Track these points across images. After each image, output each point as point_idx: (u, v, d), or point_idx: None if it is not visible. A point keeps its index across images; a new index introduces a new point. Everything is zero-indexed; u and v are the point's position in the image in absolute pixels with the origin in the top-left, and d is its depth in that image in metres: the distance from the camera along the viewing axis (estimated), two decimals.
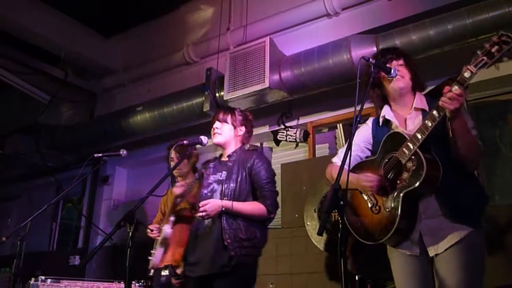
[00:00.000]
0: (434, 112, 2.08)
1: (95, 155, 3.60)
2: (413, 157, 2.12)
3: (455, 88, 1.99)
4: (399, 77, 2.31)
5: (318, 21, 4.90)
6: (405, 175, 2.15)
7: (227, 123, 3.00)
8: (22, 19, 5.58)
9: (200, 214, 2.67)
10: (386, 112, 2.42)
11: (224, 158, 3.01)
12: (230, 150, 3.00)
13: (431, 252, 2.16)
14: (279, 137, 4.84)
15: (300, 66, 4.27)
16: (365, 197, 2.34)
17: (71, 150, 6.27)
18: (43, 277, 3.62)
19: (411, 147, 2.12)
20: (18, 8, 5.52)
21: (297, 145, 4.88)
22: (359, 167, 2.42)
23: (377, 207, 2.25)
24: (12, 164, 6.97)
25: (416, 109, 2.34)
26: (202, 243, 2.79)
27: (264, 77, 4.30)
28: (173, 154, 3.56)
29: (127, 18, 6.33)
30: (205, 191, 2.91)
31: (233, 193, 2.80)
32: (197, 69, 5.67)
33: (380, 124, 2.43)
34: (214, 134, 2.99)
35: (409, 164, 2.14)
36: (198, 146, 2.98)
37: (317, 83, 4.28)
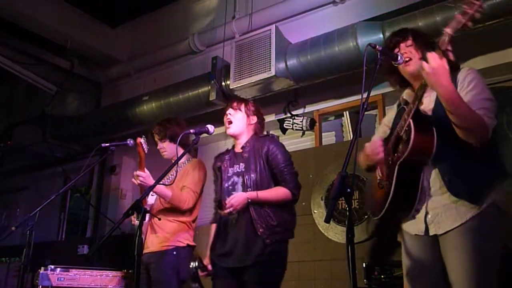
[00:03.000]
0: (423, 81, 2.07)
1: (102, 145, 3.62)
2: (406, 128, 2.11)
3: (430, 53, 1.98)
4: (406, 62, 2.28)
5: (324, 8, 4.87)
6: (401, 146, 2.15)
7: (241, 111, 3.03)
8: (27, 9, 5.57)
9: (228, 210, 2.71)
10: (406, 93, 2.40)
11: (238, 150, 3.02)
12: (243, 140, 3.02)
13: (432, 231, 2.11)
14: (286, 125, 4.84)
15: (306, 54, 4.25)
16: (375, 174, 2.35)
17: (78, 141, 6.31)
18: (52, 266, 3.67)
19: (406, 118, 2.13)
20: None
21: (303, 134, 4.88)
22: None
23: (382, 182, 2.26)
24: (20, 155, 7.02)
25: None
26: (232, 234, 2.81)
27: (270, 66, 4.28)
28: (155, 136, 3.55)
29: (133, 7, 6.33)
30: (226, 185, 2.94)
31: (255, 183, 2.83)
32: (203, 58, 5.66)
33: (402, 104, 2.40)
34: (227, 120, 3.01)
35: (404, 136, 2.14)
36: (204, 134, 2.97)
37: (324, 71, 4.26)
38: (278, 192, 2.83)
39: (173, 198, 3.25)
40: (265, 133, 5.08)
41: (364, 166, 2.45)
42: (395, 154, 2.18)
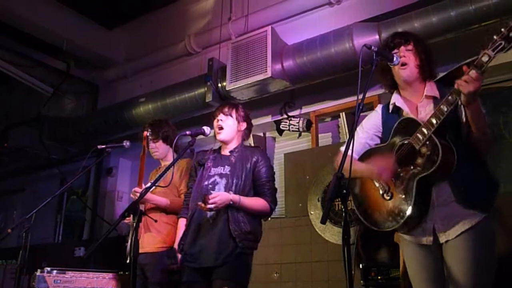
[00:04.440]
0: (450, 97, 2.05)
1: (98, 146, 3.61)
2: (427, 142, 2.09)
3: (472, 72, 1.97)
4: (402, 66, 2.27)
5: (320, 9, 4.87)
6: (419, 160, 2.13)
7: (232, 117, 3.04)
8: (23, 11, 5.56)
9: (210, 206, 2.69)
10: (396, 99, 2.38)
11: (225, 153, 3.04)
12: (232, 145, 3.04)
13: (442, 238, 2.13)
14: (282, 126, 4.83)
15: (302, 55, 4.25)
16: (377, 184, 2.31)
17: (75, 142, 6.28)
18: (48, 269, 3.65)
19: (426, 132, 2.10)
20: (19, 0, 5.51)
21: (300, 135, 4.87)
22: (368, 155, 2.40)
23: (389, 194, 2.22)
24: (16, 157, 6.99)
25: (427, 96, 2.29)
26: (205, 234, 2.80)
27: (266, 67, 4.28)
28: (148, 133, 3.53)
29: (129, 9, 6.31)
30: (206, 183, 2.93)
31: (238, 188, 2.84)
32: (199, 59, 5.66)
33: (390, 111, 2.39)
34: (217, 126, 3.01)
35: (424, 150, 2.11)
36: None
37: (320, 72, 4.26)
38: (258, 202, 2.86)
39: (172, 206, 3.29)
40: (261, 134, 5.17)
41: (361, 176, 2.38)
42: (411, 167, 2.16)
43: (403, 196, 2.15)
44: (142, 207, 3.30)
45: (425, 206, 2.15)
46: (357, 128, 2.49)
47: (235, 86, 4.49)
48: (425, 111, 2.25)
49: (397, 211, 2.16)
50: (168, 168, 2.66)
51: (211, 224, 2.81)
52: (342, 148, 2.50)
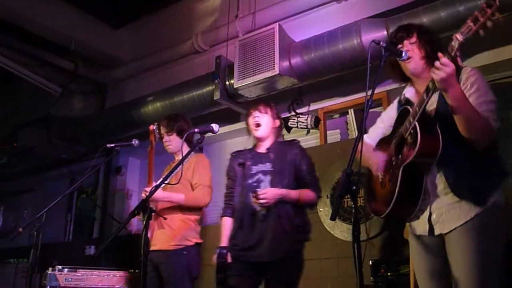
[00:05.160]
0: (429, 84, 2.04)
1: (108, 145, 3.63)
2: (412, 131, 2.10)
3: (442, 58, 1.94)
4: (407, 59, 2.25)
5: (327, 6, 4.86)
6: (405, 149, 2.14)
7: (267, 114, 3.11)
8: (31, 12, 5.60)
9: (261, 201, 2.78)
10: (407, 91, 2.39)
11: (262, 150, 3.10)
12: (267, 142, 3.11)
13: (437, 231, 2.12)
14: (290, 124, 4.83)
15: (310, 52, 4.25)
16: (378, 174, 2.35)
17: (84, 142, 6.32)
18: (60, 267, 3.68)
19: (411, 120, 2.11)
20: (26, 0, 5.54)
21: (308, 132, 4.87)
22: (378, 144, 2.46)
23: (384, 182, 2.26)
24: (26, 157, 7.05)
25: None
26: (259, 231, 2.85)
27: (274, 64, 4.28)
28: (162, 129, 3.56)
29: (135, 8, 6.33)
30: (250, 181, 2.99)
31: (283, 183, 2.90)
32: (207, 57, 5.66)
33: (403, 102, 2.39)
34: (254, 123, 3.08)
35: (409, 138, 2.12)
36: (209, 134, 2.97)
37: (328, 69, 4.26)
38: (306, 194, 2.93)
39: (188, 200, 3.30)
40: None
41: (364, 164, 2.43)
42: (399, 156, 2.18)
43: (392, 185, 2.17)
44: (154, 205, 3.31)
45: (415, 192, 2.14)
46: (378, 119, 2.58)
47: (243, 84, 4.49)
48: (430, 101, 2.23)
49: (387, 198, 2.19)
50: (177, 165, 2.67)
51: (263, 220, 2.87)
52: (366, 136, 2.54)
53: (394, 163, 2.21)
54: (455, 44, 1.95)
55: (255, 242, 2.84)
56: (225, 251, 2.92)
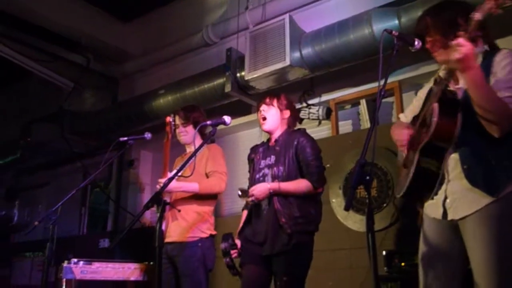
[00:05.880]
0: (449, 66, 2.02)
1: (120, 139, 3.65)
2: (431, 112, 2.07)
3: (459, 38, 1.90)
4: (432, 52, 2.22)
5: None
6: (425, 130, 2.13)
7: (273, 106, 3.10)
8: (40, 6, 5.64)
9: (250, 198, 2.83)
10: (441, 69, 2.33)
11: (272, 143, 3.11)
12: (277, 134, 3.11)
13: (450, 215, 2.08)
14: (302, 115, 4.82)
15: (320, 42, 4.23)
16: (404, 154, 2.34)
17: (96, 136, 6.37)
18: (75, 260, 3.72)
19: (432, 101, 2.09)
20: None
21: (320, 123, 4.85)
22: (412, 122, 2.41)
23: (408, 163, 2.24)
24: (39, 152, 7.12)
25: None
26: (261, 224, 2.91)
27: (284, 55, 4.27)
28: (177, 120, 3.57)
29: (145, 2, 6.34)
30: (257, 176, 3.03)
31: (283, 175, 2.90)
32: (217, 50, 5.66)
33: (438, 81, 2.35)
34: (261, 117, 3.09)
35: (428, 119, 2.10)
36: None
37: (339, 59, 4.24)
38: (299, 184, 2.88)
39: (203, 188, 3.31)
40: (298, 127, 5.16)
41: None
42: (420, 136, 2.16)
43: (410, 166, 2.16)
44: (168, 197, 3.33)
45: (432, 176, 2.12)
46: (414, 98, 2.51)
47: (254, 76, 4.49)
48: (462, 81, 2.17)
49: (404, 179, 2.19)
50: (190, 157, 2.67)
51: (263, 214, 2.91)
52: (401, 115, 2.54)
53: (415, 144, 2.20)
54: (472, 23, 1.91)
55: (260, 236, 2.89)
56: (229, 237, 3.02)
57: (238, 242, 3.05)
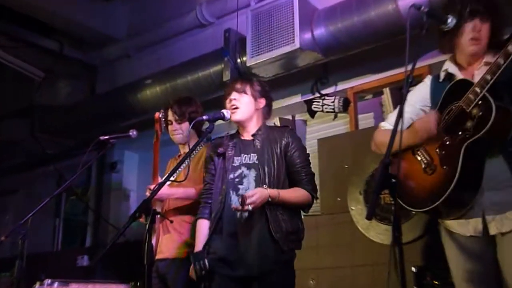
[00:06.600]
0: (509, 47, 2.02)
1: (101, 138, 3.64)
2: (480, 102, 2.07)
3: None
4: (473, 40, 2.24)
5: None
6: (469, 123, 2.12)
7: (246, 94, 3.01)
8: None
9: (247, 207, 2.65)
10: (449, 65, 2.38)
11: (246, 137, 3.03)
12: (252, 127, 3.03)
13: (493, 230, 2.10)
14: (314, 107, 4.82)
15: (336, 21, 4.23)
16: (418, 158, 2.32)
17: (71, 134, 6.39)
18: (49, 281, 3.71)
19: (478, 91, 2.08)
20: None
21: (335, 116, 4.86)
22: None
23: (433, 166, 2.23)
24: (7, 153, 7.13)
25: (487, 63, 2.25)
26: (242, 238, 2.79)
27: (293, 37, 4.26)
28: (170, 115, 3.54)
29: None
30: (232, 176, 2.92)
31: (272, 180, 2.83)
32: (213, 31, 5.67)
33: (441, 79, 2.37)
34: (232, 107, 2.98)
35: (475, 111, 2.10)
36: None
37: (357, 41, 4.24)
38: (298, 194, 2.86)
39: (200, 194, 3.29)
40: (289, 117, 5.16)
41: (404, 146, 2.36)
42: (458, 134, 2.15)
43: (447, 168, 2.14)
44: (159, 206, 3.33)
45: (474, 183, 2.12)
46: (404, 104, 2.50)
47: (257, 61, 4.49)
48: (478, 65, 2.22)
49: (441, 183, 2.16)
50: (184, 159, 2.67)
51: (246, 225, 2.79)
52: (383, 124, 2.52)
53: (448, 142, 2.19)
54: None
55: (240, 253, 2.77)
56: (202, 257, 2.84)
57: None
